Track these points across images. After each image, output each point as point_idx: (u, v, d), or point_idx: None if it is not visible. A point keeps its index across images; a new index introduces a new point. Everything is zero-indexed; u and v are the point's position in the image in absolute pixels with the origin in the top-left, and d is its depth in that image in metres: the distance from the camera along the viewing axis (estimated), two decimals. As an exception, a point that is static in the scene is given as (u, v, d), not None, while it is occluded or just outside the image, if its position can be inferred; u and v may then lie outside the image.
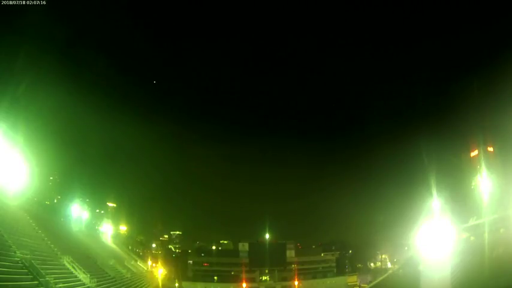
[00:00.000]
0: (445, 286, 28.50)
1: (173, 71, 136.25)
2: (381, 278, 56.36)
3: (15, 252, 23.32)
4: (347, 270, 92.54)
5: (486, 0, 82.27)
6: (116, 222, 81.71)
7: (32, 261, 23.68)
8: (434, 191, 40.59)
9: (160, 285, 61.86)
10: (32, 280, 22.14)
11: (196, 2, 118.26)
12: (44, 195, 55.58)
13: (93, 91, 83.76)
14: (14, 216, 31.91)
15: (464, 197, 48.92)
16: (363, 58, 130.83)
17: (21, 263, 22.87)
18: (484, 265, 25.79)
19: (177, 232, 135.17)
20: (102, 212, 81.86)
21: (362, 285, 77.49)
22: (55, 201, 62.00)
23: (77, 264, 31.74)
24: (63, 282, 25.73)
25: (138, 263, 67.91)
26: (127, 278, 45.82)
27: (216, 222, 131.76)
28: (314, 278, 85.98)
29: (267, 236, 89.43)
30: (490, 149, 62.60)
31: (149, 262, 77.68)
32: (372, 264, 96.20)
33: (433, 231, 37.79)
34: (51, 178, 68.01)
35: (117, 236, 78.99)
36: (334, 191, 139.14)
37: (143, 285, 50.27)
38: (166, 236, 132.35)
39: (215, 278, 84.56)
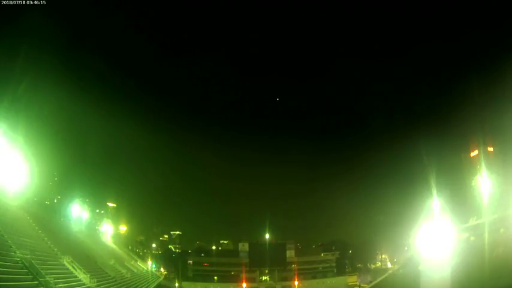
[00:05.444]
0: (445, 286, 28.47)
1: (173, 72, 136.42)
2: (380, 278, 56.35)
3: (15, 252, 23.30)
4: (347, 270, 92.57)
5: (486, 1, 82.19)
6: (116, 222, 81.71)
7: (32, 261, 23.65)
8: (434, 191, 40.55)
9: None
10: (32, 280, 22.11)
11: (198, 4, 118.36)
12: (44, 195, 55.54)
13: (93, 91, 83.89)
14: (14, 216, 31.91)
15: (464, 197, 48.91)
16: (363, 58, 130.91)
17: (21, 263, 22.84)
18: (484, 265, 25.76)
19: (177, 232, 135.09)
20: (102, 212, 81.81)
21: (362, 285, 77.49)
22: (55, 201, 61.97)
23: (77, 264, 31.73)
24: (63, 282, 25.70)
25: (138, 263, 67.91)
26: (127, 278, 45.83)
27: (216, 222, 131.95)
28: (314, 278, 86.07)
29: (267, 236, 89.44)
30: (490, 149, 62.56)
31: (149, 262, 77.66)
32: (372, 265, 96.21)
33: (433, 231, 37.75)
34: (51, 178, 67.97)
35: (117, 236, 79.01)
36: (334, 191, 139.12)
37: (143, 285, 50.25)
38: (166, 236, 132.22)
39: (215, 278, 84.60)
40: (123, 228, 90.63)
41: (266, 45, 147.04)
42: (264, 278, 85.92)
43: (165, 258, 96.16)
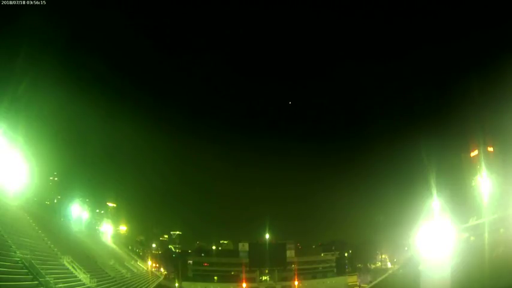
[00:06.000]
0: (445, 286, 28.48)
1: (173, 73, 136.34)
2: (380, 278, 56.38)
3: (15, 252, 23.31)
4: (347, 270, 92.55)
5: (486, 1, 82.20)
6: (116, 222, 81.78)
7: (32, 261, 23.67)
8: (434, 191, 40.57)
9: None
10: (32, 280, 22.13)
11: (198, 4, 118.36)
12: (44, 195, 55.64)
13: (93, 92, 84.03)
14: (14, 216, 31.92)
15: (464, 197, 49.00)
16: (363, 58, 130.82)
17: (21, 263, 22.86)
18: (484, 265, 25.78)
19: (177, 232, 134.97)
20: (102, 212, 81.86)
21: (362, 285, 77.50)
22: (55, 201, 62.05)
23: (77, 264, 31.75)
24: (63, 282, 25.72)
25: (138, 263, 67.90)
26: (127, 278, 45.83)
27: (216, 222, 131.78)
28: (314, 278, 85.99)
29: (267, 236, 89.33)
30: (490, 149, 62.68)
31: (149, 262, 77.66)
32: (372, 265, 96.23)
33: (433, 231, 37.77)
34: (51, 178, 68.07)
35: (117, 236, 79.05)
36: (334, 191, 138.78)
37: (143, 285, 50.24)
38: (166, 236, 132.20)
39: (215, 278, 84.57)
40: (123, 228, 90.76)
41: (267, 47, 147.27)
42: (264, 278, 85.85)
43: (165, 258, 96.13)
